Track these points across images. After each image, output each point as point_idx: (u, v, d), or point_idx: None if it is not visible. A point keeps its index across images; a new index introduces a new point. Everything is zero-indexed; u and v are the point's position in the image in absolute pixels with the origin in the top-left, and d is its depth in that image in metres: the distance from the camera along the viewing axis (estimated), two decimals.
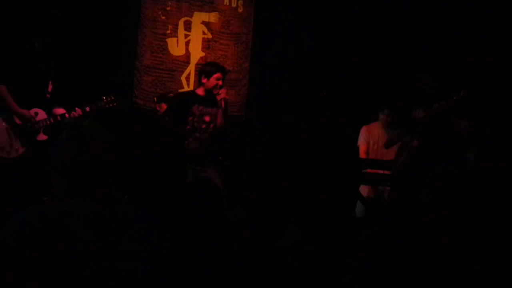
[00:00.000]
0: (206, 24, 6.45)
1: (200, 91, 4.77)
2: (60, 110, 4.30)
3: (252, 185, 5.05)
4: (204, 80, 4.73)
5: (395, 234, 3.84)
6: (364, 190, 5.47)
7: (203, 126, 4.69)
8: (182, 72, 6.41)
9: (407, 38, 5.86)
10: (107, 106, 4.39)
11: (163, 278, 1.68)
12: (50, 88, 4.27)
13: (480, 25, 5.56)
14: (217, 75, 4.70)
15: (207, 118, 4.71)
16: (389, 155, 5.47)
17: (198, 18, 6.44)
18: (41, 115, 4.22)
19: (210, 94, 4.70)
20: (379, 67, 5.85)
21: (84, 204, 1.63)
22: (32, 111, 4.20)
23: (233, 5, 6.48)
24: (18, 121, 4.15)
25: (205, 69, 4.84)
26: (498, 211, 3.40)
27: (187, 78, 6.37)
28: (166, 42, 6.38)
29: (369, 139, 5.69)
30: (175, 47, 6.40)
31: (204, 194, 2.41)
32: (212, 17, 6.45)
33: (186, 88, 6.28)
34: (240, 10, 6.50)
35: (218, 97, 4.65)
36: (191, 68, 6.36)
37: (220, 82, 4.70)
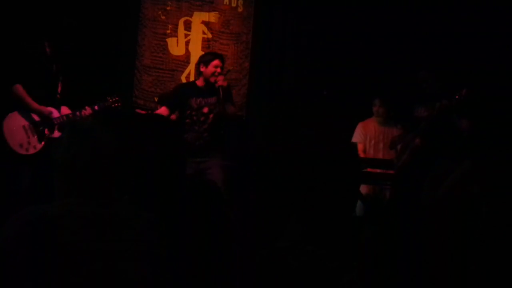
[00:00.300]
0: (206, 23, 6.44)
1: (200, 82, 4.82)
2: (66, 110, 4.45)
3: (252, 185, 5.04)
4: (202, 69, 4.77)
5: (396, 233, 3.84)
6: (363, 188, 5.48)
7: (202, 118, 4.72)
8: (182, 71, 6.40)
9: (408, 37, 5.85)
10: (113, 106, 4.58)
11: (162, 278, 1.68)
12: (59, 88, 4.43)
13: (480, 25, 5.55)
14: (215, 62, 4.73)
15: (205, 110, 4.72)
16: (386, 150, 5.49)
17: (198, 17, 6.44)
18: (55, 113, 4.39)
19: (209, 83, 4.72)
20: (380, 67, 5.85)
21: (84, 204, 1.63)
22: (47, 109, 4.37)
23: (233, 4, 6.47)
24: (36, 118, 4.31)
25: (203, 58, 4.88)
26: (498, 210, 3.40)
27: (187, 78, 6.37)
28: (166, 42, 6.38)
29: (366, 135, 5.70)
30: (175, 47, 6.40)
31: (204, 194, 2.40)
32: (212, 17, 6.44)
33: None
34: (240, 10, 6.49)
35: (216, 85, 4.67)
36: (191, 68, 6.36)
37: (218, 70, 4.72)
